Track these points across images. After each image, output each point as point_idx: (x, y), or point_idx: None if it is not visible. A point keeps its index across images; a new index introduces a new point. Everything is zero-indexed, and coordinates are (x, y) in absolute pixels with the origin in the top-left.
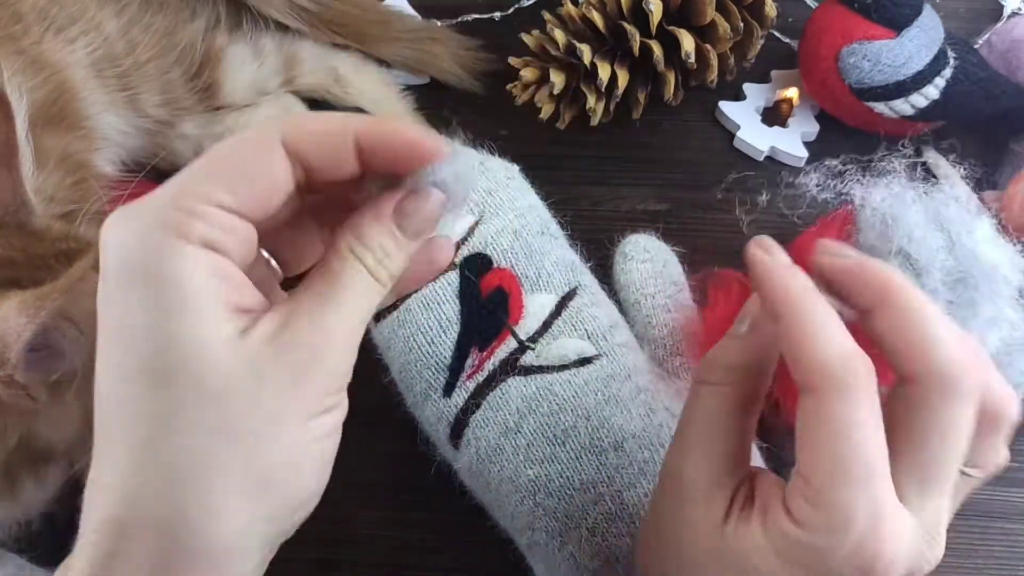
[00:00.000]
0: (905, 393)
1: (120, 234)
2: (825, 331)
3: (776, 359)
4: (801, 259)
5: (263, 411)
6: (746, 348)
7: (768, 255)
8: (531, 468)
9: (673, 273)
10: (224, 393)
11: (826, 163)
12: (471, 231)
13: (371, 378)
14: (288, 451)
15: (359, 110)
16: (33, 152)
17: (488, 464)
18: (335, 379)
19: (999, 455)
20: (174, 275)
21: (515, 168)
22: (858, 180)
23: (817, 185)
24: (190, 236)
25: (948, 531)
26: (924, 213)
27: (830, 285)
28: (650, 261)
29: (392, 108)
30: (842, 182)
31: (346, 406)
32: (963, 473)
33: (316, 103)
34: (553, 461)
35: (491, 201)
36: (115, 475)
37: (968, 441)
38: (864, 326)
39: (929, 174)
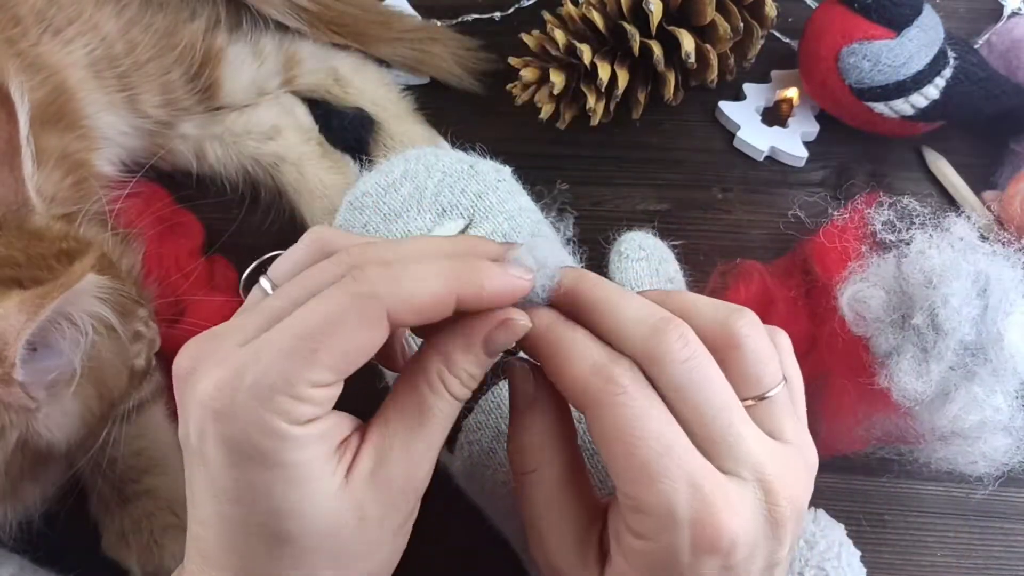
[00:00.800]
0: (591, 419)
1: (234, 415)
2: (573, 351)
3: (568, 422)
4: (821, 260)
5: (367, 541)
6: (534, 426)
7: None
8: None
9: (669, 271)
10: (338, 537)
11: (902, 201)
12: (460, 234)
13: (368, 384)
14: (383, 559)
15: (359, 110)
16: (34, 152)
17: (482, 468)
18: (418, 494)
19: (761, 367)
20: (283, 458)
21: (507, 170)
22: (924, 228)
23: (884, 223)
24: (300, 419)
25: (946, 531)
26: (973, 281)
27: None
28: (645, 259)
29: (392, 109)
30: (907, 225)
31: (419, 505)
32: (761, 399)
33: (314, 101)
34: None
35: (481, 204)
36: None
37: (719, 378)
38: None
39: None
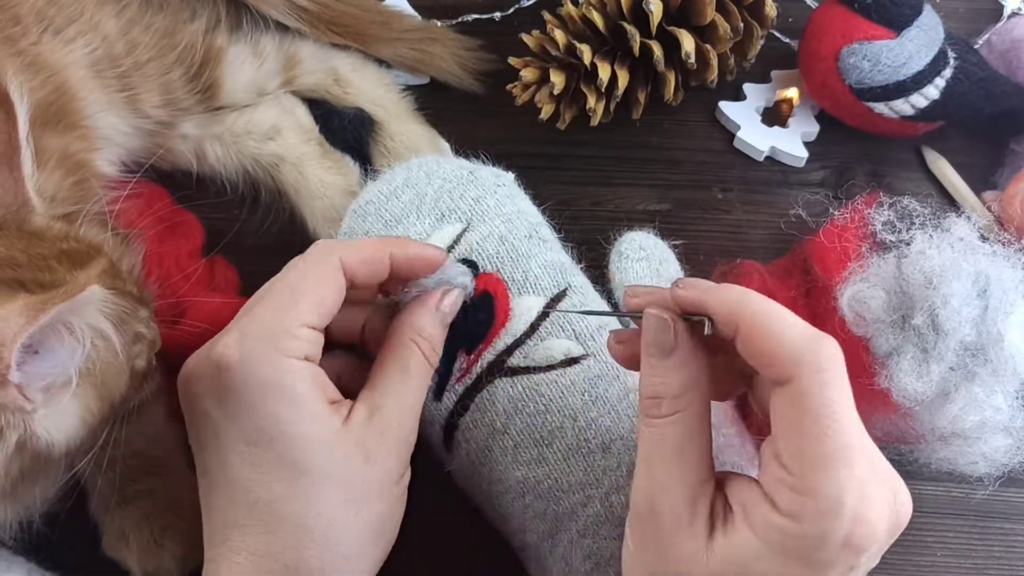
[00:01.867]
0: (787, 393)
1: (247, 359)
2: (785, 321)
3: (708, 376)
4: (821, 260)
5: (375, 480)
6: (684, 374)
7: (691, 287)
8: (519, 469)
9: (670, 271)
10: (347, 473)
11: (902, 201)
12: (458, 239)
13: None
14: (390, 506)
15: (359, 110)
16: (34, 152)
17: (478, 466)
18: (409, 447)
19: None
20: (288, 383)
21: (508, 176)
22: (924, 228)
23: (884, 223)
24: (296, 353)
25: (945, 531)
26: (973, 281)
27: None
28: (646, 259)
29: (392, 109)
30: (907, 226)
31: (410, 471)
32: None
33: (314, 101)
34: (541, 463)
35: (478, 208)
36: (250, 541)
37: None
38: (735, 350)
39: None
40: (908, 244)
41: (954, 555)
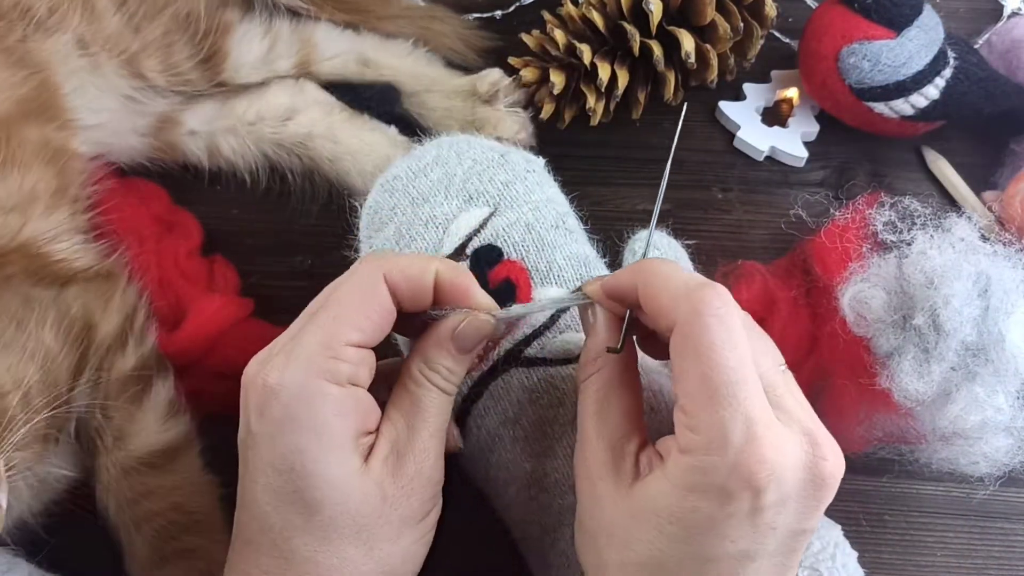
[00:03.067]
0: (674, 341)
1: (287, 386)
2: (670, 273)
3: (625, 337)
4: (822, 261)
5: (391, 523)
6: (598, 340)
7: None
8: (528, 461)
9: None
10: (364, 514)
11: (903, 201)
12: (484, 223)
13: None
14: (406, 549)
15: (385, 85)
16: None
17: (487, 453)
18: (434, 485)
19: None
20: (320, 416)
21: (539, 161)
22: (925, 229)
23: (885, 223)
24: (339, 378)
25: (946, 531)
26: (974, 281)
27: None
28: (659, 257)
29: (431, 73)
30: (908, 226)
31: (440, 504)
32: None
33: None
34: (550, 456)
35: (507, 193)
36: (263, 561)
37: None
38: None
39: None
40: (909, 244)
41: (954, 555)
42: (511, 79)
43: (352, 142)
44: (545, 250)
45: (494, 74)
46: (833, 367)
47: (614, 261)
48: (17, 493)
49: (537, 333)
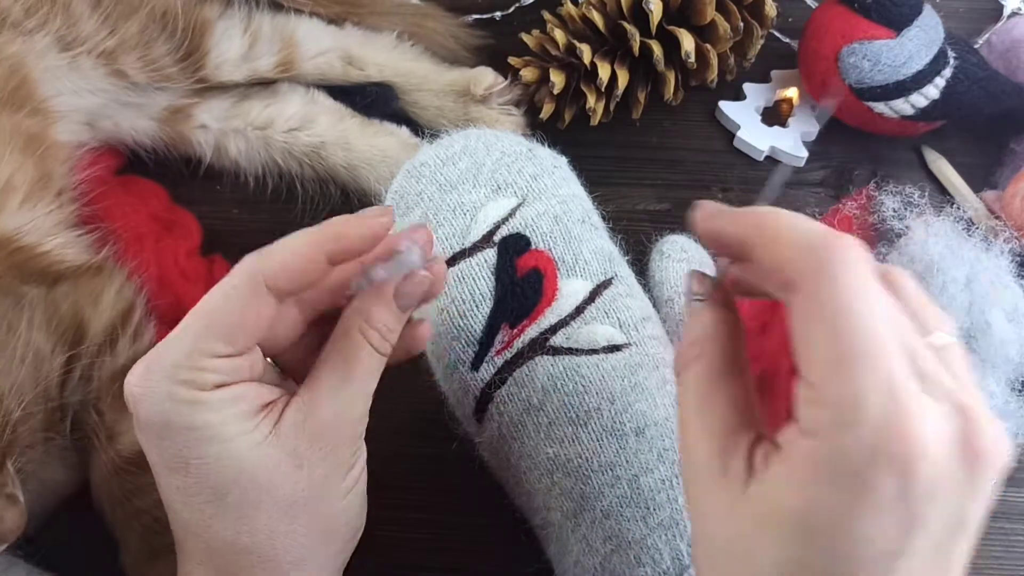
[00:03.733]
0: (797, 303)
1: (149, 394)
2: (791, 222)
3: (737, 321)
4: None
5: (311, 485)
6: (704, 317)
7: (704, 209)
8: (551, 447)
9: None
10: (276, 483)
11: (905, 190)
12: (513, 212)
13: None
14: (337, 503)
15: (379, 84)
16: None
17: (509, 440)
18: (356, 439)
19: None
20: (201, 421)
21: (563, 159)
22: (924, 218)
23: (894, 211)
24: (205, 385)
25: None
26: (963, 272)
27: (721, 249)
28: (686, 261)
29: (420, 70)
30: (910, 213)
31: (364, 449)
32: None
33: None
34: (574, 441)
35: (535, 185)
36: (196, 558)
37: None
38: (751, 275)
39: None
40: (899, 236)
41: None
42: (505, 80)
43: (365, 150)
44: (572, 243)
45: (488, 76)
46: None
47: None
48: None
49: (563, 322)
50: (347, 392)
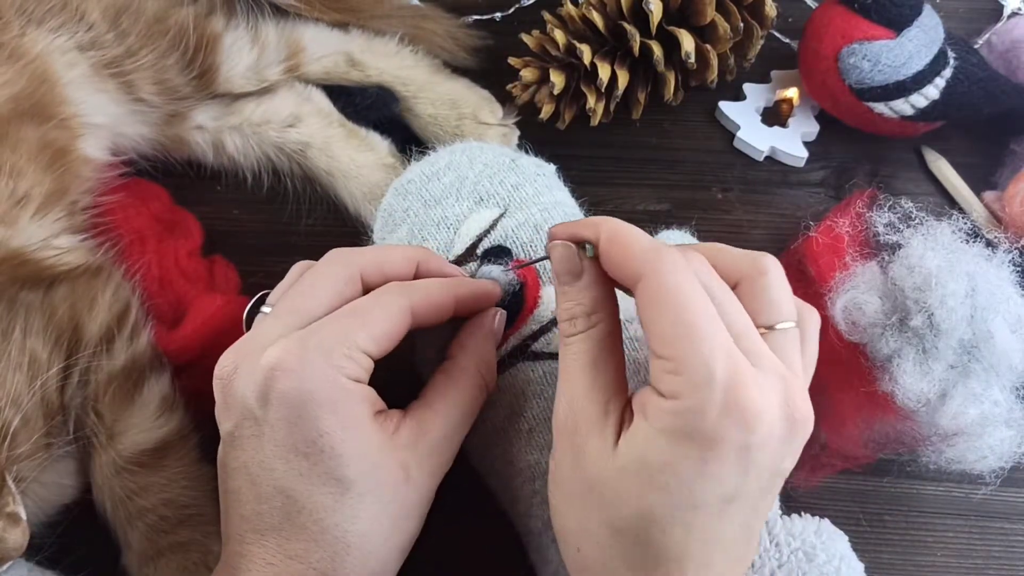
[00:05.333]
0: (642, 290)
1: (302, 368)
2: (635, 233)
3: (613, 298)
4: (815, 262)
5: (409, 501)
6: (593, 293)
7: (562, 226)
8: (532, 453)
9: None
10: (387, 490)
11: (901, 203)
12: (494, 224)
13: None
14: (417, 525)
15: (380, 87)
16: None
17: (492, 447)
18: (446, 468)
19: (778, 296)
20: (342, 400)
21: (549, 167)
22: (923, 228)
23: (887, 225)
24: (349, 373)
25: (945, 531)
26: (964, 282)
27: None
28: None
29: (419, 78)
30: (907, 226)
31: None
32: (770, 329)
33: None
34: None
35: (516, 195)
36: (288, 546)
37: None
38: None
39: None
40: (894, 249)
41: (954, 555)
42: (509, 104)
43: (345, 162)
44: None
45: (497, 109)
46: (828, 378)
47: None
48: (24, 505)
49: (544, 329)
50: (456, 419)
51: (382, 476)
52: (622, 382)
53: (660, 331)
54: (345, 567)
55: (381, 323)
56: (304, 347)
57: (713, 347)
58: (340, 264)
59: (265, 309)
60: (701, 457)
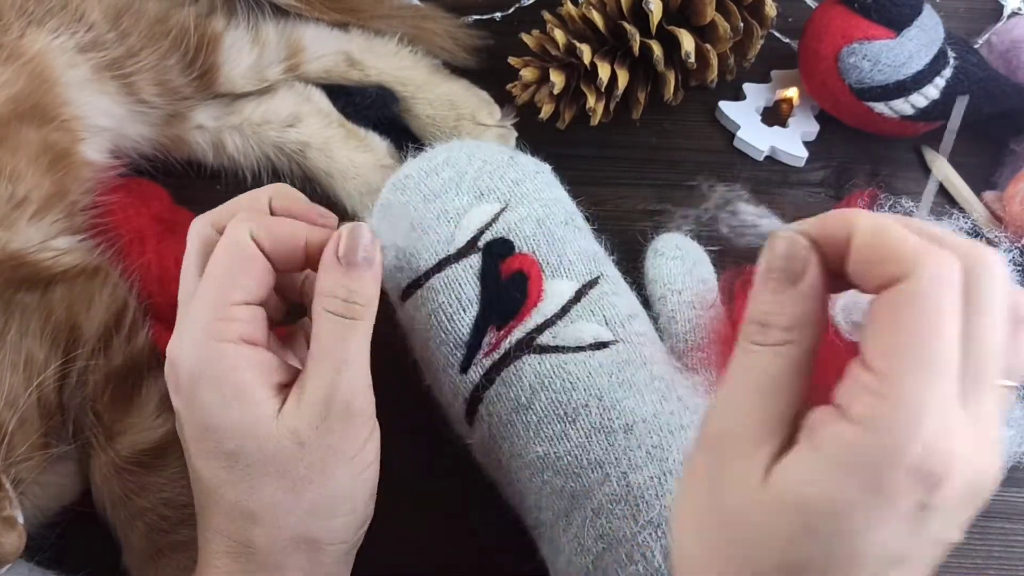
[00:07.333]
0: (898, 291)
1: (184, 355)
2: (900, 226)
3: (826, 312)
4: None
5: (311, 465)
6: (804, 307)
7: (810, 229)
8: (540, 445)
9: (703, 272)
10: (280, 458)
11: (901, 203)
12: (496, 217)
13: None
14: (341, 487)
15: (380, 87)
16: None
17: (500, 441)
18: (364, 420)
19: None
20: (225, 373)
21: (545, 166)
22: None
23: None
24: (232, 336)
25: None
26: None
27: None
28: (680, 259)
29: (417, 78)
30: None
31: (378, 431)
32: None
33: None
34: (562, 439)
35: (517, 190)
36: (213, 521)
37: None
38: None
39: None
40: None
41: (954, 555)
42: (508, 105)
43: (343, 161)
44: (556, 244)
45: (495, 111)
46: (828, 378)
47: (616, 262)
48: (23, 506)
49: (549, 322)
50: (330, 370)
51: (270, 447)
52: (798, 415)
53: (894, 342)
54: (258, 536)
55: (235, 266)
56: (182, 332)
57: (935, 391)
58: (193, 233)
59: None
60: (867, 505)
